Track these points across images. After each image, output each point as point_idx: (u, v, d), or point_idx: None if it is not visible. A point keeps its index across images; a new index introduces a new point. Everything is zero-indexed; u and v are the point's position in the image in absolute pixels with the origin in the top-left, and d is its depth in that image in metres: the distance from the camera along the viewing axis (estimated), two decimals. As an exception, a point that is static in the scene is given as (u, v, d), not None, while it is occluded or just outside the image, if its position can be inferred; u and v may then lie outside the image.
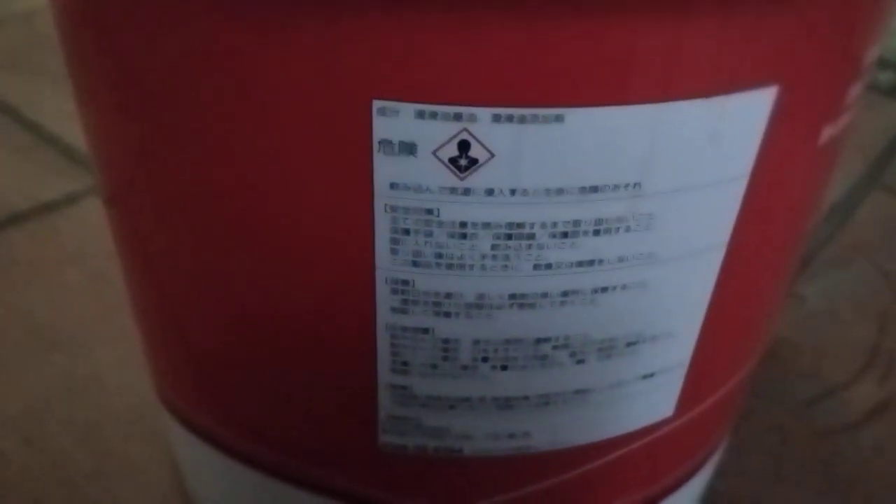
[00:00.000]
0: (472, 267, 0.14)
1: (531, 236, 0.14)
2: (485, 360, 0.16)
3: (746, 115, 0.14)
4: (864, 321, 0.37)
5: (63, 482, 0.28)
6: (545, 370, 0.16)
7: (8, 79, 0.52)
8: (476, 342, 0.16)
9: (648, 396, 0.18)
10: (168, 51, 0.13)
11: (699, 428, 0.20)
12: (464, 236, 0.14)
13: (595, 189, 0.14)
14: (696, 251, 0.15)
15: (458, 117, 0.13)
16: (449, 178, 0.13)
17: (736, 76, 0.13)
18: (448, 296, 0.15)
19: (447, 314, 0.15)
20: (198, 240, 0.16)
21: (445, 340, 0.16)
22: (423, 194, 0.14)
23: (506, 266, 0.14)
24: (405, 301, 0.15)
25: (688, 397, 0.19)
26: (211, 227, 0.15)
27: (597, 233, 0.14)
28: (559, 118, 0.13)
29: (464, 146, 0.13)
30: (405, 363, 0.16)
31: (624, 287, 0.15)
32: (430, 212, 0.14)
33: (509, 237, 0.14)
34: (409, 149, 0.13)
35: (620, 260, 0.15)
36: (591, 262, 0.15)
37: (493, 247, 0.14)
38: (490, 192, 0.13)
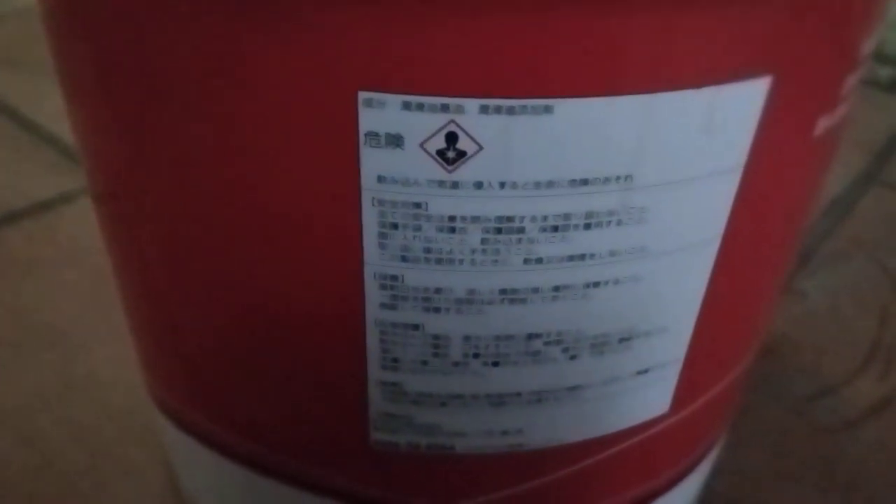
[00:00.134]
0: (461, 262, 0.14)
1: (521, 230, 0.14)
2: (476, 356, 0.16)
3: (739, 105, 0.13)
4: (865, 317, 0.37)
5: (57, 480, 0.27)
6: (537, 366, 0.16)
7: (6, 77, 0.52)
8: (467, 338, 0.15)
9: (643, 393, 0.18)
10: (151, 44, 0.13)
11: (695, 425, 0.20)
12: (453, 230, 0.14)
13: (585, 182, 0.13)
14: (689, 245, 0.15)
15: (444, 108, 0.12)
16: (437, 171, 0.13)
17: (728, 66, 0.13)
18: (438, 291, 0.15)
19: (437, 310, 0.15)
20: (185, 235, 0.16)
21: (436, 336, 0.15)
22: (411, 188, 0.13)
23: (496, 261, 0.14)
24: (394, 297, 0.15)
25: (683, 394, 0.18)
26: (198, 222, 0.15)
27: (588, 226, 0.14)
28: (548, 109, 0.12)
29: (451, 138, 0.13)
30: (395, 360, 0.16)
31: (616, 282, 0.15)
32: (418, 205, 0.14)
33: (499, 231, 0.14)
34: (395, 141, 0.13)
35: (612, 254, 0.15)
36: (583, 257, 0.14)
37: (483, 241, 0.14)
38: (479, 185, 0.13)
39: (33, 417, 0.30)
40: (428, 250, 0.14)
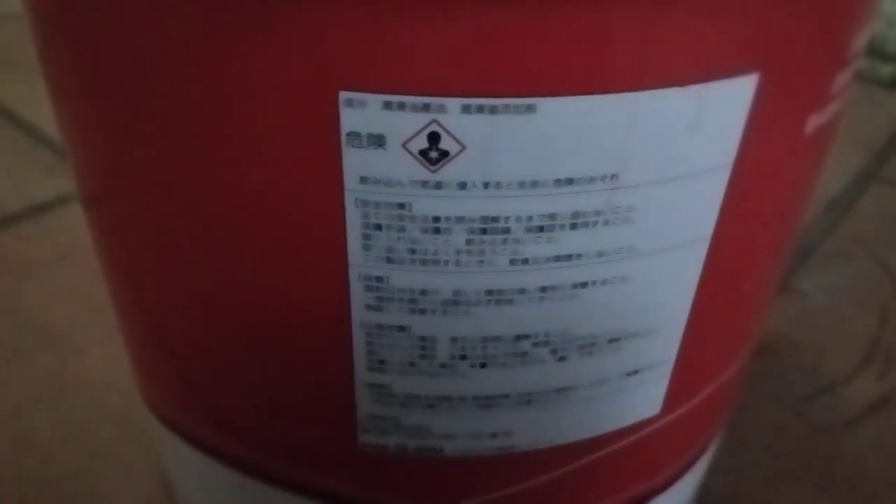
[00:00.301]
0: (446, 262, 0.14)
1: (506, 230, 0.14)
2: (463, 357, 0.15)
3: (727, 103, 0.13)
4: (864, 315, 0.36)
5: (50, 481, 0.27)
6: (526, 368, 0.16)
7: (4, 78, 0.52)
8: (454, 340, 0.15)
9: (634, 394, 0.17)
10: (132, 45, 0.13)
11: (689, 425, 0.20)
12: (437, 231, 0.14)
13: (570, 181, 0.13)
14: (678, 245, 0.15)
15: (426, 108, 0.12)
16: (420, 172, 0.13)
17: (715, 63, 0.13)
18: (423, 292, 0.15)
19: (423, 311, 0.15)
20: (171, 239, 0.16)
21: (422, 338, 0.15)
22: (395, 188, 0.13)
23: (481, 261, 0.14)
24: (380, 298, 0.15)
25: (675, 394, 0.18)
26: (183, 225, 0.15)
27: (574, 226, 0.14)
28: (531, 108, 0.12)
29: (434, 138, 0.13)
30: (382, 362, 0.16)
31: (604, 282, 0.15)
32: (401, 206, 0.13)
33: (484, 231, 0.14)
34: (377, 141, 0.13)
35: (600, 254, 0.14)
36: (569, 257, 0.14)
37: (468, 242, 0.14)
38: (462, 185, 0.13)
39: (28, 419, 0.30)
40: (413, 251, 0.14)
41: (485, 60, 0.12)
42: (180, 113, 0.13)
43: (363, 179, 0.13)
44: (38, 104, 0.49)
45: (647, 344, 0.16)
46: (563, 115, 0.12)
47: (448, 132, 0.12)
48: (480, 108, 0.12)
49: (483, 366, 0.16)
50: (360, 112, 0.12)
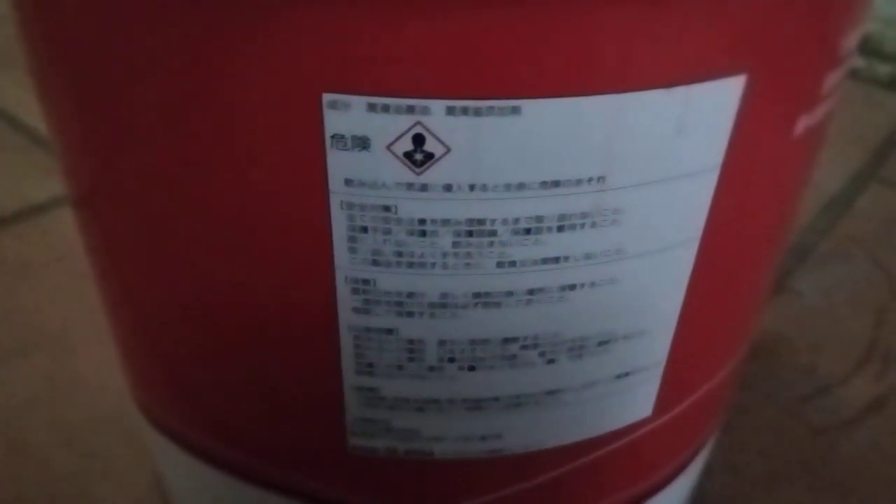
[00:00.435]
0: (433, 265, 0.14)
1: (493, 233, 0.14)
2: (451, 360, 0.15)
3: (714, 105, 0.13)
4: (861, 316, 0.36)
5: (44, 483, 0.27)
6: (515, 371, 0.16)
7: (1, 80, 0.52)
8: (442, 342, 0.15)
9: (624, 396, 0.17)
10: (116, 47, 0.13)
11: (681, 427, 0.20)
12: (423, 234, 0.14)
13: (557, 183, 0.13)
14: (667, 247, 0.15)
15: (410, 110, 0.12)
16: (405, 174, 0.13)
17: (701, 65, 0.13)
18: (410, 295, 0.14)
19: (410, 314, 0.15)
20: (158, 241, 0.16)
21: (410, 341, 0.15)
22: (380, 190, 0.13)
23: (468, 264, 0.14)
24: (367, 301, 0.15)
25: (667, 397, 0.18)
26: (169, 228, 0.15)
27: (561, 229, 0.14)
28: (516, 110, 0.12)
29: (418, 140, 0.12)
30: (370, 365, 0.16)
31: (593, 284, 0.15)
32: (387, 209, 0.13)
33: (470, 234, 0.14)
34: (362, 143, 0.13)
35: (587, 257, 0.14)
36: (557, 260, 0.14)
37: (455, 244, 0.14)
38: (448, 187, 0.13)
39: (23, 420, 0.30)
40: (399, 254, 0.14)
41: (469, 62, 0.12)
42: (165, 116, 0.13)
43: (348, 182, 0.13)
44: (35, 105, 0.49)
45: (637, 346, 0.16)
46: (548, 116, 0.12)
47: (433, 134, 0.12)
48: (465, 110, 0.12)
49: (472, 369, 0.16)
50: (344, 114, 0.12)
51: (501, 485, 0.18)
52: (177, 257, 0.16)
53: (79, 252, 0.38)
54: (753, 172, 0.15)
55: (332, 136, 0.13)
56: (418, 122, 0.12)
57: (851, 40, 0.15)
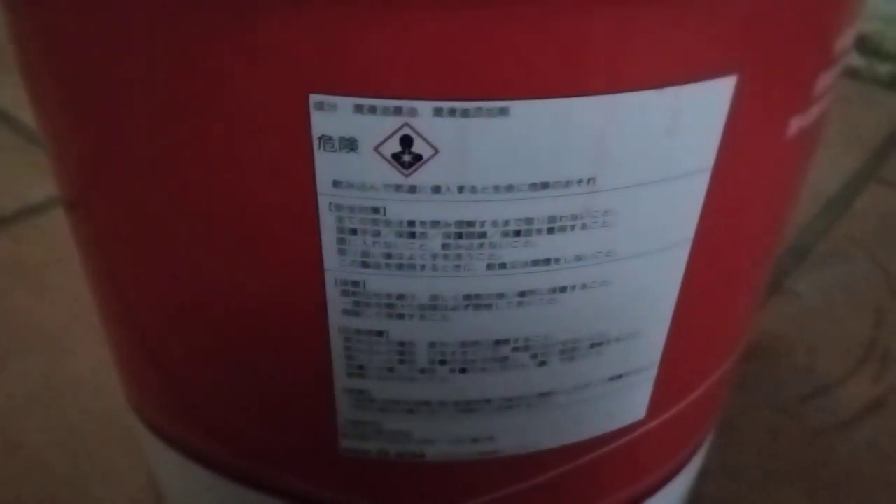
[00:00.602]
0: (423, 267, 0.14)
1: (482, 235, 0.14)
2: (442, 362, 0.15)
3: (704, 106, 0.13)
4: (860, 316, 0.36)
5: (40, 484, 0.27)
6: (506, 373, 0.16)
7: (-2, 79, 0.51)
8: (432, 345, 0.15)
9: (618, 398, 0.17)
10: (103, 47, 0.13)
11: (676, 429, 0.20)
12: (412, 235, 0.14)
13: (546, 185, 0.13)
14: (658, 248, 0.15)
15: (398, 111, 0.12)
16: (393, 175, 0.13)
17: (690, 66, 0.13)
18: (400, 297, 0.14)
19: (401, 316, 0.15)
20: (148, 243, 0.15)
21: (401, 343, 0.15)
22: (368, 192, 0.13)
23: (458, 266, 0.14)
24: (357, 303, 0.15)
25: (660, 399, 0.18)
26: (159, 229, 0.15)
27: (551, 231, 0.14)
28: (504, 111, 0.12)
29: (406, 141, 0.12)
30: (361, 367, 0.15)
31: (584, 286, 0.15)
32: (376, 210, 0.13)
33: (460, 236, 0.14)
34: (349, 144, 0.12)
35: (578, 259, 0.14)
36: (548, 262, 0.14)
37: (444, 246, 0.14)
38: (437, 189, 0.13)
39: (17, 420, 0.30)
40: (388, 256, 0.14)
41: (456, 63, 0.12)
42: (152, 118, 0.13)
43: (336, 183, 0.13)
44: (33, 105, 0.49)
45: (629, 348, 0.16)
46: (536, 118, 0.12)
47: (421, 136, 0.12)
48: (453, 112, 0.12)
49: (463, 371, 0.16)
50: (331, 115, 0.12)
51: (494, 487, 0.18)
52: (166, 259, 0.15)
53: (76, 252, 0.38)
54: (746, 174, 0.15)
55: (320, 138, 0.12)
56: (406, 124, 0.12)
57: (846, 39, 0.15)
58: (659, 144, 0.13)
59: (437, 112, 0.12)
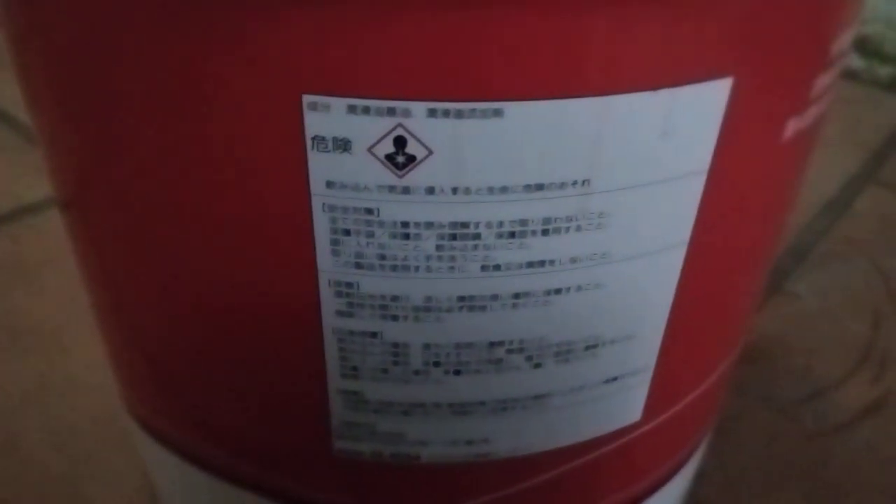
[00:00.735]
0: (417, 268, 0.14)
1: (476, 236, 0.13)
2: (437, 364, 0.15)
3: (700, 108, 0.13)
4: (858, 318, 0.36)
5: (35, 484, 0.27)
6: (501, 375, 0.16)
7: (-3, 78, 0.51)
8: (426, 346, 0.15)
9: (613, 401, 0.17)
10: (96, 50, 0.13)
11: (672, 432, 0.20)
12: (406, 237, 0.13)
13: (541, 187, 0.13)
14: (654, 251, 0.15)
15: (391, 112, 0.12)
16: (387, 176, 0.13)
17: (686, 67, 0.12)
18: (394, 298, 0.14)
19: (395, 317, 0.15)
20: (142, 244, 0.15)
21: (395, 345, 0.15)
22: (362, 193, 0.13)
23: (452, 267, 0.14)
24: (350, 304, 0.14)
25: (656, 401, 0.18)
26: (153, 230, 0.15)
27: (545, 232, 0.14)
28: (498, 112, 0.12)
29: (400, 142, 0.12)
30: (355, 368, 0.15)
31: (578, 288, 0.15)
32: (369, 211, 0.13)
33: (454, 237, 0.13)
34: (343, 145, 0.12)
35: (573, 261, 0.14)
36: (542, 263, 0.14)
37: (438, 247, 0.14)
38: (431, 190, 0.13)
39: (12, 420, 0.29)
40: (382, 257, 0.14)
41: (449, 64, 0.12)
42: (146, 118, 0.13)
43: (330, 184, 0.13)
44: (32, 104, 0.49)
45: (624, 350, 0.16)
46: (530, 119, 0.12)
47: (414, 137, 0.12)
48: (446, 113, 0.12)
49: (457, 373, 0.15)
50: (325, 116, 0.12)
51: (489, 489, 0.18)
52: (160, 260, 0.15)
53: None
54: (742, 176, 0.15)
55: (313, 138, 0.12)
56: (399, 125, 0.12)
57: (843, 41, 0.15)
58: (654, 146, 0.13)
59: (431, 113, 0.12)
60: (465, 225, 0.13)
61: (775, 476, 0.29)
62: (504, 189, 0.13)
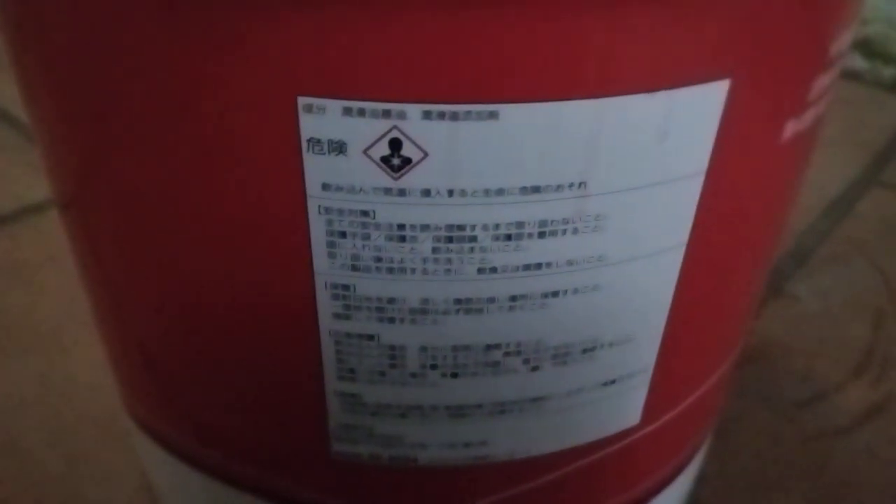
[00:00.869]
0: (413, 271, 0.14)
1: (473, 239, 0.13)
2: (434, 367, 0.15)
3: (697, 110, 0.13)
4: (859, 320, 0.36)
5: (33, 485, 0.27)
6: (498, 378, 0.16)
7: (-2, 78, 0.51)
8: (423, 349, 0.15)
9: (611, 404, 0.17)
10: (93, 52, 0.13)
11: (671, 435, 0.20)
12: (402, 239, 0.13)
13: (537, 189, 0.13)
14: (651, 253, 0.15)
15: (386, 114, 0.12)
16: (383, 179, 0.13)
17: (683, 69, 0.12)
18: (391, 301, 0.14)
19: (391, 320, 0.15)
20: (140, 246, 0.15)
21: (391, 347, 0.15)
22: (358, 195, 0.13)
23: (448, 270, 0.14)
24: (347, 307, 0.14)
25: (655, 404, 0.18)
26: (150, 232, 0.15)
27: (542, 235, 0.13)
28: (493, 115, 0.12)
29: (395, 144, 0.12)
30: (352, 370, 0.15)
31: (576, 291, 0.15)
32: (365, 213, 0.13)
33: (450, 240, 0.13)
34: (339, 147, 0.12)
35: (570, 263, 0.14)
36: (539, 266, 0.14)
37: (434, 250, 0.14)
38: (426, 192, 0.13)
39: (11, 420, 0.29)
40: (378, 259, 0.14)
41: (445, 66, 0.12)
42: (142, 120, 0.13)
43: (325, 186, 0.13)
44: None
45: (623, 353, 0.16)
46: (526, 121, 0.12)
47: (410, 139, 0.12)
48: (442, 115, 0.12)
49: (454, 375, 0.15)
50: (320, 118, 0.12)
51: (488, 492, 0.18)
52: (157, 261, 0.15)
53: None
54: (740, 178, 0.15)
55: (309, 140, 0.12)
56: (395, 127, 0.12)
57: (842, 42, 0.15)
58: (651, 149, 0.13)
59: (427, 115, 0.12)
60: (461, 227, 0.13)
61: (775, 479, 0.29)
62: (500, 191, 0.13)
